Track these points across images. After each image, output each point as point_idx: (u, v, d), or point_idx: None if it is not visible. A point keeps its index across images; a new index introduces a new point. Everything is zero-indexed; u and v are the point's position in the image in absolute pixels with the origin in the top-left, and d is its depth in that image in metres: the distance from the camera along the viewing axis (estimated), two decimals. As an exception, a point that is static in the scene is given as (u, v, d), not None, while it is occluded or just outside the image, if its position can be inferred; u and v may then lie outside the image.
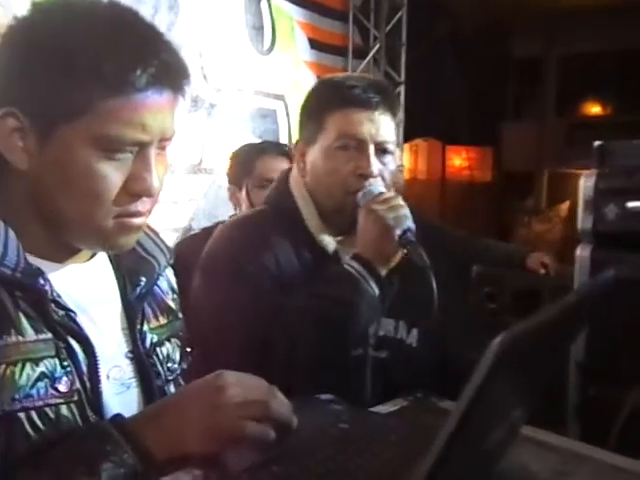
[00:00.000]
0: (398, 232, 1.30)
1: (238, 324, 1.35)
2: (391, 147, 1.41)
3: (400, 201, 1.36)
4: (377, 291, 1.32)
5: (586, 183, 1.84)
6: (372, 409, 1.08)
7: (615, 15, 6.30)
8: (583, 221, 1.86)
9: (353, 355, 1.38)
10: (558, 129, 9.23)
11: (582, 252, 1.86)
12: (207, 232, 2.48)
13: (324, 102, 1.42)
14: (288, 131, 4.45)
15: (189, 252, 2.16)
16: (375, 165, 1.38)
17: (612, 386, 1.80)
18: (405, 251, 1.33)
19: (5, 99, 0.84)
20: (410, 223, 1.31)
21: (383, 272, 1.34)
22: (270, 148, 2.39)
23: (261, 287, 1.36)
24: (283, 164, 2.32)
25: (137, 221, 0.88)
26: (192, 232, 3.81)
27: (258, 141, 4.11)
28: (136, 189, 0.86)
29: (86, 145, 0.82)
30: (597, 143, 1.87)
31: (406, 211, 1.34)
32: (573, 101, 9.42)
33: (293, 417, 0.84)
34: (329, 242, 1.43)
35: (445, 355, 1.51)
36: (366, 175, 1.37)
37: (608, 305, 0.77)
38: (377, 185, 1.37)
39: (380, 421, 1.01)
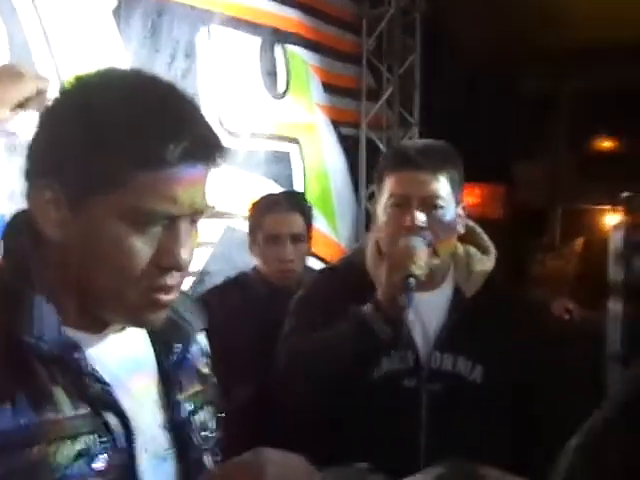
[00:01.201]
0: (397, 276, 1.44)
1: (281, 359, 1.61)
2: (441, 202, 1.55)
3: (418, 251, 1.49)
4: (384, 327, 1.47)
5: (615, 236, 1.83)
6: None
7: (629, 51, 6.32)
8: (614, 274, 1.84)
9: (405, 386, 1.54)
10: (571, 165, 9.22)
11: (614, 305, 1.83)
12: (230, 283, 2.47)
13: (383, 166, 1.65)
14: (303, 173, 4.46)
15: (217, 304, 2.15)
16: (418, 219, 1.52)
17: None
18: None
19: (44, 171, 0.84)
20: (416, 270, 1.45)
21: (392, 311, 1.46)
22: (281, 203, 2.34)
23: (298, 327, 1.61)
24: (293, 219, 2.29)
25: (166, 297, 0.87)
26: (208, 276, 3.83)
27: (272, 184, 4.14)
28: (165, 263, 0.85)
29: (116, 218, 0.82)
30: (625, 194, 1.86)
31: (415, 259, 1.46)
32: (586, 137, 9.42)
33: None
34: None
35: (519, 398, 1.55)
36: (410, 227, 1.52)
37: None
38: (417, 236, 1.51)
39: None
